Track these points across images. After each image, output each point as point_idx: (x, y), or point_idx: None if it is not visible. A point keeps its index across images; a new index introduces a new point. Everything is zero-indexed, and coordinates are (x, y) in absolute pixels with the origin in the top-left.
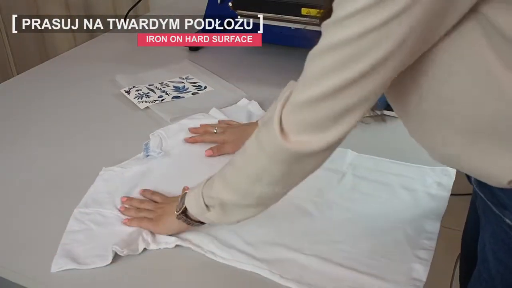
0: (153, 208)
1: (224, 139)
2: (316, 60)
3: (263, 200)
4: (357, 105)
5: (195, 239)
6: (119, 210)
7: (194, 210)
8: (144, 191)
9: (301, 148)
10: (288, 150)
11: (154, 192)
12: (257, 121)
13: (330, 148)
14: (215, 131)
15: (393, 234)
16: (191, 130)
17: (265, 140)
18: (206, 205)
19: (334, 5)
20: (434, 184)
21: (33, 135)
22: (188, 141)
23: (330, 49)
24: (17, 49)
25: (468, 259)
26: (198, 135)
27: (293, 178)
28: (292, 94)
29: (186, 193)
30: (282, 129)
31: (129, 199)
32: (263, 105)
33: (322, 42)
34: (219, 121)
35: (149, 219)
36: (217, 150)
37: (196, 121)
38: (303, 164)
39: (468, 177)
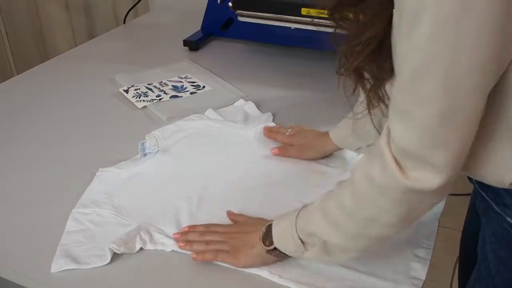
0: (224, 239)
1: (291, 141)
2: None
3: (372, 242)
4: None
5: None
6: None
7: (287, 247)
8: (230, 214)
9: (421, 184)
10: (408, 187)
11: (237, 215)
12: (328, 132)
13: (449, 183)
14: (288, 132)
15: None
16: (266, 128)
17: (380, 178)
18: (303, 242)
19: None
20: None
21: (33, 135)
22: (265, 133)
23: None
24: (17, 49)
25: (467, 259)
26: (273, 133)
27: (411, 218)
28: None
29: (270, 224)
30: (399, 166)
31: (192, 227)
32: (262, 106)
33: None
34: (292, 126)
35: (225, 251)
36: (282, 151)
37: (191, 122)
38: (423, 201)
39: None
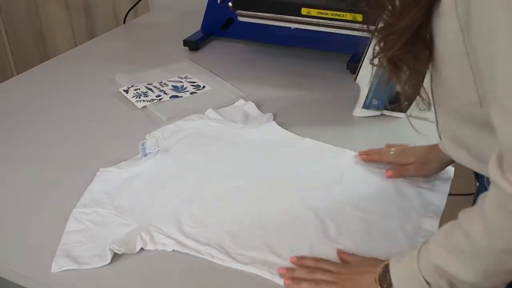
0: (336, 280)
1: (405, 161)
2: None
3: (507, 277)
4: None
5: (192, 243)
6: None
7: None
8: (341, 253)
9: None
10: None
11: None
12: (437, 145)
13: None
14: (392, 152)
15: (392, 234)
16: (363, 153)
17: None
18: (428, 283)
19: None
20: (432, 182)
21: (33, 135)
22: (364, 159)
23: None
24: (17, 49)
25: None
26: (375, 154)
27: None
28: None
29: (387, 265)
30: None
31: (300, 259)
32: (262, 106)
33: None
34: (393, 145)
35: (329, 282)
36: (399, 173)
37: (192, 122)
38: None
39: (476, 175)
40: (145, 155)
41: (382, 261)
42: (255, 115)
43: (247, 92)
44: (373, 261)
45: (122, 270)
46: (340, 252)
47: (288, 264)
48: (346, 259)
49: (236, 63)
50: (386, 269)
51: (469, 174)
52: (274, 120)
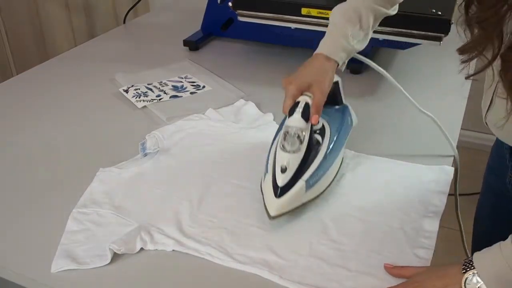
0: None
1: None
2: None
3: None
4: None
5: (192, 243)
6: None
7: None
8: (389, 269)
9: None
10: None
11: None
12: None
13: None
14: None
15: (392, 234)
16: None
17: None
18: None
19: None
20: (432, 182)
21: (32, 135)
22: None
23: None
24: (17, 49)
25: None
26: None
27: None
28: None
29: (467, 265)
30: None
31: None
32: (262, 106)
33: None
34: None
35: None
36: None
37: (192, 122)
38: None
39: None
40: (145, 155)
41: (444, 270)
42: (255, 115)
43: (247, 92)
44: (433, 271)
45: (122, 270)
46: (387, 268)
47: (288, 263)
48: (401, 275)
49: (236, 63)
50: (467, 270)
51: (469, 175)
52: (274, 120)
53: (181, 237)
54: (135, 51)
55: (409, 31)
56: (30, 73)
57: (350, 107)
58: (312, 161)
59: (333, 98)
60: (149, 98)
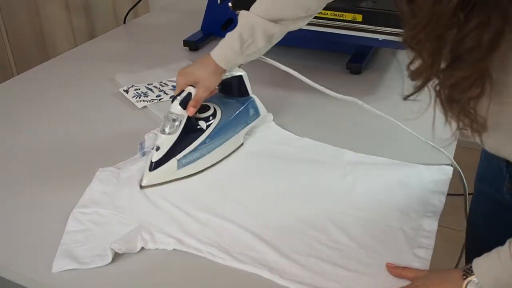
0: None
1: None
2: None
3: None
4: None
5: (193, 242)
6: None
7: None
8: (391, 269)
9: None
10: None
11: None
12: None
13: None
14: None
15: (391, 234)
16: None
17: None
18: None
19: None
20: (431, 182)
21: (32, 135)
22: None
23: None
24: (17, 49)
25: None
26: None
27: None
28: None
29: (467, 271)
30: None
31: None
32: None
33: None
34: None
35: None
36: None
37: None
38: None
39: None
40: (143, 154)
41: (444, 275)
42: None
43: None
44: (440, 274)
45: (123, 269)
46: (389, 268)
47: (288, 263)
48: (403, 276)
49: None
50: (468, 273)
51: (469, 175)
52: (274, 120)
53: (181, 236)
54: (135, 51)
55: None
56: (30, 73)
57: (256, 99)
58: (190, 144)
59: (238, 90)
60: (149, 98)
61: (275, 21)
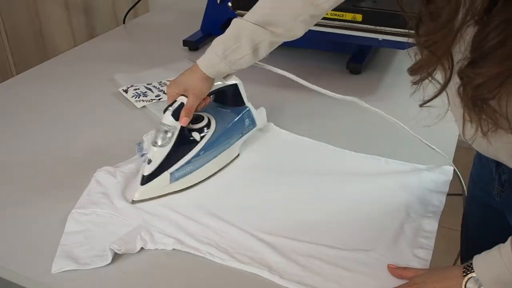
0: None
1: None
2: None
3: None
4: None
5: (192, 242)
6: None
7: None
8: (392, 270)
9: None
10: None
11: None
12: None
13: None
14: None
15: (391, 234)
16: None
17: None
18: None
19: None
20: (431, 183)
21: (32, 135)
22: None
23: None
24: (17, 49)
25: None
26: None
27: None
28: None
29: (467, 268)
30: None
31: None
32: (262, 106)
33: None
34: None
35: None
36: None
37: None
38: None
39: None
40: (142, 155)
41: (441, 271)
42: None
43: (246, 92)
44: (435, 272)
45: (123, 269)
46: (390, 269)
47: (288, 263)
48: (403, 276)
49: None
50: (468, 271)
51: (468, 175)
52: (274, 120)
53: (181, 236)
54: (135, 51)
55: (409, 31)
56: (30, 73)
57: (252, 109)
58: (183, 156)
59: (233, 99)
60: (148, 98)
61: (264, 25)
